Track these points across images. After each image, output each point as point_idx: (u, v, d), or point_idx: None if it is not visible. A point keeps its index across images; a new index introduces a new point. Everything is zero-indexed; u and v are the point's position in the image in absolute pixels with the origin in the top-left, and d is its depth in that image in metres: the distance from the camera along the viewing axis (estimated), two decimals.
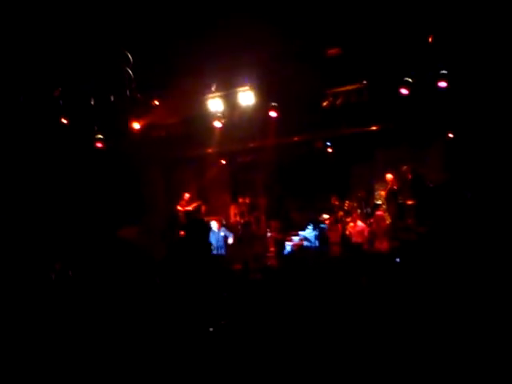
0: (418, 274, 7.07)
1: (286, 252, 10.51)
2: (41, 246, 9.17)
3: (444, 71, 8.94)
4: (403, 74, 9.24)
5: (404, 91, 9.40)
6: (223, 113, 10.42)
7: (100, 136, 10.55)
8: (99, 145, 10.59)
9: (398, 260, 8.12)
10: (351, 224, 10.07)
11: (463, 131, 9.97)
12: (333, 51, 9.05)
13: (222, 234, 9.92)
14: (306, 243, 10.27)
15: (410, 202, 9.95)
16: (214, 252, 9.74)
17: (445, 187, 9.78)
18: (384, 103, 9.93)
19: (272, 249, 10.58)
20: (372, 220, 10.09)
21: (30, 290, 6.64)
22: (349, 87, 10.02)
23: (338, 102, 10.27)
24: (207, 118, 10.53)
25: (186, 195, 11.70)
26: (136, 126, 10.36)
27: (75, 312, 5.89)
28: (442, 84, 8.97)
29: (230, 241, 10.03)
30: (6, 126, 9.54)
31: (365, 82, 9.70)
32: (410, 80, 9.35)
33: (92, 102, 9.85)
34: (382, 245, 9.16)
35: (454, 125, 10.11)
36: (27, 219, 9.82)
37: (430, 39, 8.25)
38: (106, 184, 10.94)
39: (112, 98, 9.67)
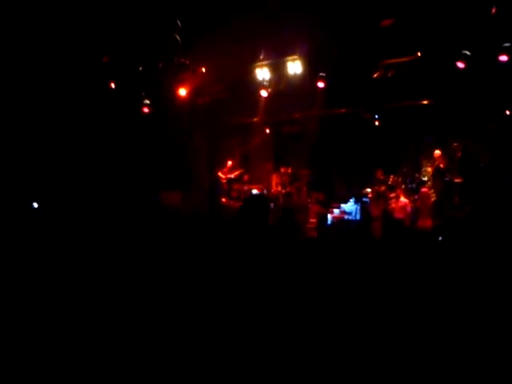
0: (460, 253, 6.91)
1: (326, 224, 10.47)
2: (87, 211, 9.48)
3: (506, 44, 8.51)
4: (461, 46, 8.86)
5: (460, 65, 9.02)
6: (270, 82, 10.36)
7: (147, 101, 10.71)
8: (146, 110, 10.76)
9: (440, 239, 7.94)
10: (394, 199, 9.88)
11: None
12: (387, 22, 8.74)
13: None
14: (346, 217, 10.17)
15: (457, 180, 9.63)
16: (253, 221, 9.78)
17: (495, 167, 9.41)
18: (438, 77, 9.56)
19: (313, 220, 10.54)
20: (416, 196, 9.87)
21: (78, 257, 6.88)
22: (402, 59, 9.72)
23: (390, 73, 9.99)
24: (254, 86, 10.51)
25: (229, 162, 11.78)
26: (182, 92, 10.42)
27: (119, 279, 6.05)
28: (503, 58, 8.54)
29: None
30: (57, 90, 9.81)
31: (419, 53, 9.35)
32: (467, 53, 8.96)
33: (140, 68, 9.96)
34: (426, 222, 8.97)
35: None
36: (74, 182, 10.16)
37: (493, 10, 7.82)
38: (151, 149, 11.13)
39: (160, 64, 9.76)
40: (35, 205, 10.00)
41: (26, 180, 9.83)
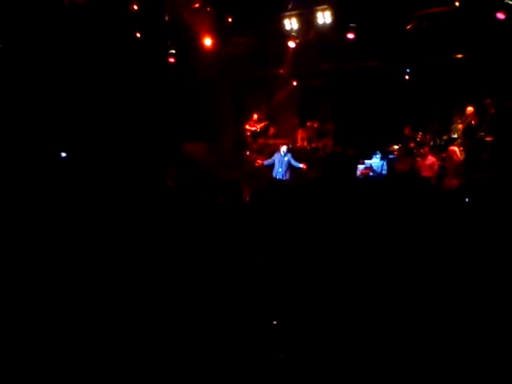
0: (486, 216, 6.79)
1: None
2: (111, 160, 9.53)
3: None
4: None
5: (500, 16, 8.56)
6: (298, 32, 10.07)
7: (172, 51, 10.57)
8: (171, 60, 10.65)
9: (467, 200, 7.79)
10: (421, 157, 9.69)
11: None
12: None
13: (286, 158, 9.87)
14: (371, 173, 10.05)
15: (488, 139, 9.35)
16: (278, 176, 9.81)
17: None
18: (475, 29, 9.11)
19: None
20: (444, 154, 9.66)
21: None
22: (438, 9, 9.28)
23: (424, 25, 9.58)
24: (281, 37, 10.23)
25: (255, 115, 11.67)
26: (208, 41, 10.24)
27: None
28: None
29: (300, 165, 9.88)
30: (83, 40, 9.74)
31: (457, 3, 8.89)
32: (510, 2, 8.47)
33: (166, 18, 9.79)
34: (452, 182, 8.80)
35: None
36: (99, 131, 10.20)
37: None
38: (177, 100, 11.08)
39: (185, 14, 9.56)
40: (63, 154, 10.15)
41: (52, 131, 9.93)
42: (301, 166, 9.83)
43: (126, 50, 10.38)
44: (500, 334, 3.74)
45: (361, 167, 10.41)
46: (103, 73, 10.36)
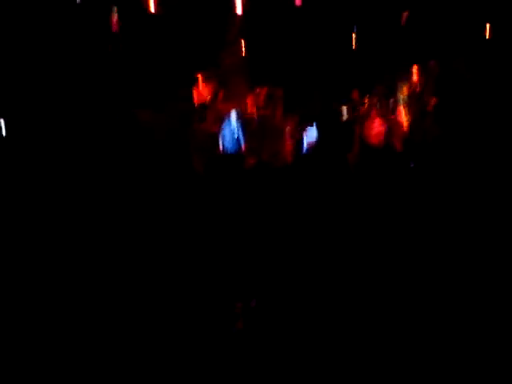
0: (431, 182, 7.07)
1: (304, 149, 10.44)
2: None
3: None
4: None
5: None
6: None
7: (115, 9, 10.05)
8: (115, 19, 10.15)
9: (412, 165, 8.08)
10: (370, 121, 9.85)
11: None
12: None
13: (236, 127, 9.76)
14: None
15: (432, 101, 9.59)
16: (227, 146, 9.73)
17: (474, 88, 9.35)
18: None
19: (289, 143, 10.49)
20: (392, 117, 9.85)
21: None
22: None
23: None
24: None
25: (200, 77, 11.33)
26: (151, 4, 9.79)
27: None
28: None
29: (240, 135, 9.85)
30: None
31: None
32: None
33: None
34: (398, 146, 9.05)
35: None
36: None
37: None
38: (122, 64, 10.61)
39: None
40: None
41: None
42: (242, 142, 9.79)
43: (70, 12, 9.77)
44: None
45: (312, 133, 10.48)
46: (47, 35, 9.73)
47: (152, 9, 9.85)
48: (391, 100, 10.22)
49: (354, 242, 5.12)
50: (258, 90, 11.28)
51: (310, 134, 10.33)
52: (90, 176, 6.88)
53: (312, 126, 10.43)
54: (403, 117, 9.63)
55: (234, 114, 9.74)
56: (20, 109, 9.55)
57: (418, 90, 9.82)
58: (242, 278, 4.77)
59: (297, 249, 5.08)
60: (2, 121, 9.49)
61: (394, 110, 9.97)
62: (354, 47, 10.82)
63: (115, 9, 9.99)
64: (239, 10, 9.92)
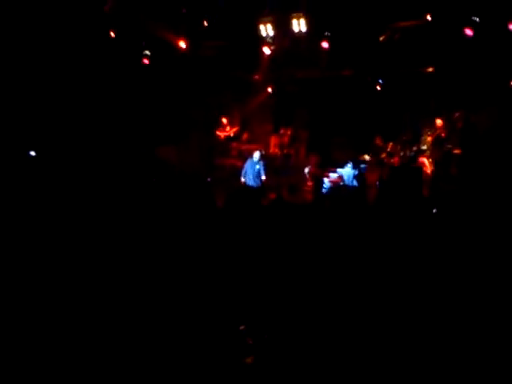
0: (453, 227, 6.91)
1: (323, 188, 10.44)
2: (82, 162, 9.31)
3: None
4: (471, 12, 8.63)
5: (469, 32, 8.82)
6: (274, 39, 10.11)
7: (147, 52, 10.46)
8: (146, 61, 10.54)
9: (435, 211, 7.93)
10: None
11: None
12: None
13: (258, 166, 9.85)
14: (342, 182, 10.12)
15: (456, 151, 9.56)
16: (249, 182, 9.78)
17: (497, 139, 9.33)
18: (445, 43, 9.36)
19: (309, 183, 10.51)
20: (414, 165, 9.82)
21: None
22: (410, 22, 9.48)
23: (396, 37, 9.77)
24: (257, 42, 10.25)
25: (224, 120, 11.60)
26: (182, 44, 10.17)
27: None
28: None
29: (263, 177, 9.91)
30: (57, 38, 9.52)
31: (428, 17, 9.10)
32: (477, 20, 8.74)
33: (141, 18, 9.68)
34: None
35: None
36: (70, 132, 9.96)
37: None
38: (148, 102, 10.92)
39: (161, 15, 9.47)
40: (32, 153, 9.88)
41: (22, 129, 9.65)
42: (263, 177, 9.84)
43: (100, 50, 10.20)
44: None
45: (333, 176, 10.50)
46: (77, 72, 10.14)
47: (182, 47, 10.17)
48: (414, 148, 10.24)
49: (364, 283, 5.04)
50: (282, 131, 11.49)
51: (332, 175, 10.34)
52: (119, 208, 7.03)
53: (334, 168, 10.47)
54: (426, 165, 9.59)
55: (257, 152, 9.85)
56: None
57: (442, 140, 9.84)
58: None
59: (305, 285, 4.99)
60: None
61: (415, 159, 9.95)
62: (379, 95, 10.99)
63: (147, 50, 10.39)
64: (267, 51, 10.23)
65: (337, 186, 9.96)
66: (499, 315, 4.04)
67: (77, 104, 10.06)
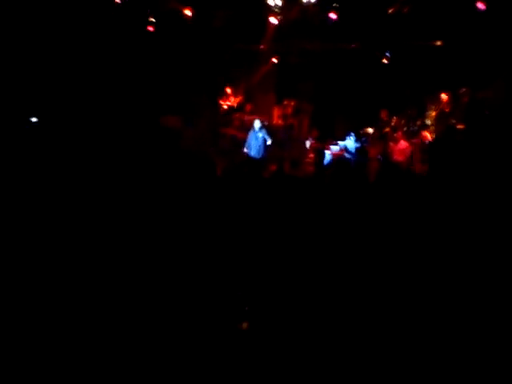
0: (453, 202, 6.93)
1: (325, 161, 10.44)
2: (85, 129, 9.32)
3: None
4: None
5: (481, 6, 8.66)
6: (281, 9, 9.97)
7: (152, 19, 10.36)
8: (150, 28, 10.45)
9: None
10: (394, 141, 9.80)
11: None
12: None
13: (261, 135, 9.85)
14: (346, 154, 10.10)
15: (460, 127, 9.50)
16: (252, 154, 9.81)
17: (501, 116, 9.25)
18: (455, 17, 9.20)
19: (311, 155, 10.51)
20: (416, 140, 9.79)
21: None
22: None
23: (406, 9, 9.61)
24: (264, 12, 10.11)
25: (228, 90, 11.53)
26: (188, 13, 10.07)
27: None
28: None
29: (269, 142, 9.96)
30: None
31: None
32: None
33: None
34: (422, 166, 8.95)
35: None
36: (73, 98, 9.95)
37: None
38: (152, 70, 10.85)
39: None
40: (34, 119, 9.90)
41: (24, 94, 9.65)
42: (269, 142, 9.87)
43: (105, 16, 10.10)
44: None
45: (335, 148, 10.48)
46: (80, 39, 10.07)
47: (188, 15, 10.07)
48: (418, 123, 10.18)
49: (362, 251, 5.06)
50: (286, 102, 11.42)
51: (334, 148, 10.33)
52: (113, 176, 7.01)
53: (336, 140, 10.45)
54: (430, 139, 9.55)
55: (259, 123, 9.84)
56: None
57: (446, 114, 9.76)
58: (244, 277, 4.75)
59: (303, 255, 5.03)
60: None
61: (418, 133, 9.90)
62: (385, 68, 10.86)
63: (151, 16, 10.26)
64: (274, 21, 10.11)
65: (339, 159, 9.95)
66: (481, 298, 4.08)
67: (80, 71, 10.04)
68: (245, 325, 3.99)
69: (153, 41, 10.74)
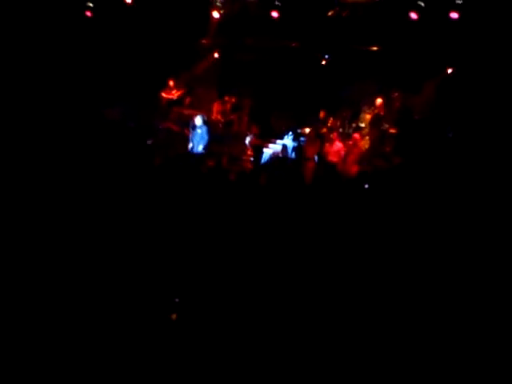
0: (383, 203, 7.21)
1: (263, 159, 10.56)
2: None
3: (459, 1, 8.63)
4: None
5: (413, 16, 9.08)
6: (223, 3, 9.97)
7: (90, 4, 10.04)
8: (88, 14, 10.13)
9: (366, 186, 8.24)
10: (329, 142, 10.08)
11: (465, 70, 9.73)
12: None
13: (200, 131, 9.85)
14: (281, 155, 10.26)
15: (392, 131, 9.93)
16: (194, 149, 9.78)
17: (429, 122, 9.76)
18: (391, 24, 9.58)
19: (249, 152, 10.60)
20: (350, 142, 10.12)
21: None
22: (359, 0, 9.61)
23: (344, 14, 9.88)
24: (206, 5, 10.07)
25: (171, 82, 11.39)
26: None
27: None
28: (454, 15, 8.71)
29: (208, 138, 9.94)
30: None
31: None
32: (422, 4, 9.00)
33: None
34: (352, 168, 9.28)
35: (458, 61, 9.84)
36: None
37: None
38: (91, 60, 10.49)
39: None
40: None
41: None
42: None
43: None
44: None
45: (273, 146, 10.62)
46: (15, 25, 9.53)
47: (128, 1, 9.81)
48: (353, 125, 10.53)
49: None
50: (226, 98, 11.42)
51: (272, 146, 10.47)
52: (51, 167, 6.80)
53: (274, 138, 10.60)
54: (362, 142, 9.91)
55: (198, 117, 9.81)
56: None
57: (380, 118, 10.16)
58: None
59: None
60: None
61: (351, 135, 10.25)
62: (324, 69, 11.12)
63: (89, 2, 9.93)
64: (216, 15, 10.08)
65: (276, 157, 10.10)
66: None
67: (14, 61, 9.52)
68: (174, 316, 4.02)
69: (91, 27, 10.39)
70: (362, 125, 10.42)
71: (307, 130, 10.58)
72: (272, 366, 3.47)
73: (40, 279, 3.98)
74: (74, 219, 5.23)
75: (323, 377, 3.43)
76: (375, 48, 10.58)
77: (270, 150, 10.56)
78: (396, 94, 10.24)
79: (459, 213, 6.03)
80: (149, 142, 9.78)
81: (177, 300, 4.17)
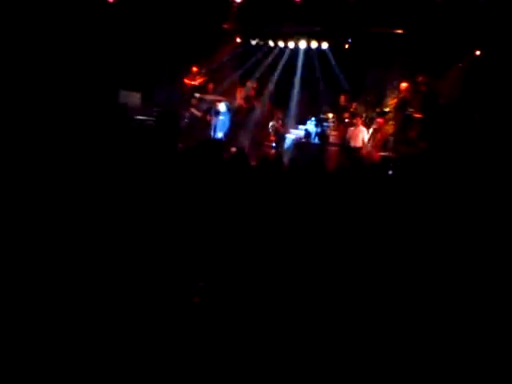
0: (409, 191, 7.10)
1: (286, 145, 10.52)
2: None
3: None
4: None
5: None
6: None
7: None
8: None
9: (390, 172, 8.14)
10: (353, 127, 9.96)
11: (493, 52, 9.46)
12: None
13: (222, 118, 9.84)
14: (304, 140, 10.19)
15: (417, 115, 9.74)
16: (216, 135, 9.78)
17: (456, 106, 9.54)
18: (416, 6, 9.35)
19: (272, 138, 10.56)
20: (374, 126, 9.98)
21: None
22: None
23: None
24: None
25: (194, 68, 11.38)
26: None
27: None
28: None
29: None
30: None
31: None
32: None
33: None
34: (375, 154, 9.16)
35: (485, 43, 9.57)
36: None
37: None
38: (111, 44, 10.53)
39: None
40: None
41: None
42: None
43: None
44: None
45: (296, 132, 10.55)
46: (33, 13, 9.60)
47: None
48: (377, 110, 10.37)
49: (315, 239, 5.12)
50: (249, 84, 11.36)
51: (294, 132, 10.40)
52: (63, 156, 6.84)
53: (297, 124, 10.53)
54: (386, 127, 9.77)
55: (223, 105, 9.80)
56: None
57: (405, 103, 9.97)
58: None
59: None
60: None
61: (375, 120, 10.10)
62: (347, 53, 10.94)
63: None
64: (237, 2, 9.98)
65: (299, 142, 10.04)
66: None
67: (33, 45, 9.61)
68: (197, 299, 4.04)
69: (113, 13, 10.41)
70: (387, 109, 10.25)
71: (330, 116, 10.47)
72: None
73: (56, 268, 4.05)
74: (96, 201, 5.29)
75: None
76: (400, 31, 10.36)
77: (292, 136, 10.50)
78: (421, 78, 10.00)
79: (485, 202, 5.90)
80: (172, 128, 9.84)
81: (201, 284, 4.20)
